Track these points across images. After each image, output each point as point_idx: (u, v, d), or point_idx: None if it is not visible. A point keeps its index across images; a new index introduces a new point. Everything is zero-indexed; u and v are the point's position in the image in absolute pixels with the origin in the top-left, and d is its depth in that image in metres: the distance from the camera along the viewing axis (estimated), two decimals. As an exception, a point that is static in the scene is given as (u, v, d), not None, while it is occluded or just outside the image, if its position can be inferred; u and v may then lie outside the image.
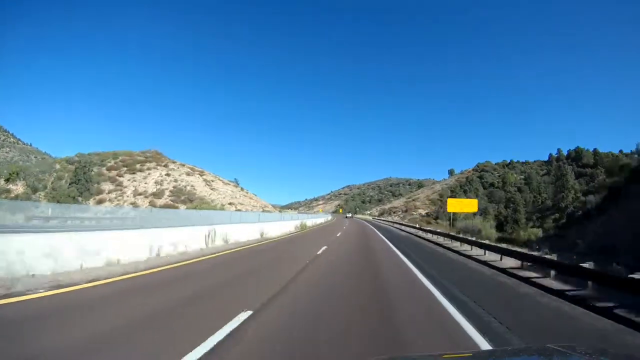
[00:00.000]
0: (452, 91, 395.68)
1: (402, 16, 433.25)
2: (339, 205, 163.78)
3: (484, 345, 3.87)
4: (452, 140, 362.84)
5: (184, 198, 37.69)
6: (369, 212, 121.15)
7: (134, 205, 36.92)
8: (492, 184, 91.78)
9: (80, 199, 46.50)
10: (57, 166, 57.91)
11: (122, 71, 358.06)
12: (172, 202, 37.00)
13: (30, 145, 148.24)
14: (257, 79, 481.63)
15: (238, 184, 65.44)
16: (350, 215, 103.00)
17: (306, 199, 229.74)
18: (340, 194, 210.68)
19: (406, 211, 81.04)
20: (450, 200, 21.71)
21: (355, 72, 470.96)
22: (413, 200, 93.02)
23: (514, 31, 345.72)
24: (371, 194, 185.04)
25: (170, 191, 40.13)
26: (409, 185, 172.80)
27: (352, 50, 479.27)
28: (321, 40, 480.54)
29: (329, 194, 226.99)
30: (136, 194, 40.12)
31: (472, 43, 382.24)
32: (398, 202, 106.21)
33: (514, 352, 2.42)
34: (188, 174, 49.52)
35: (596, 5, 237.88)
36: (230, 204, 41.43)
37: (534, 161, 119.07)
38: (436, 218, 65.17)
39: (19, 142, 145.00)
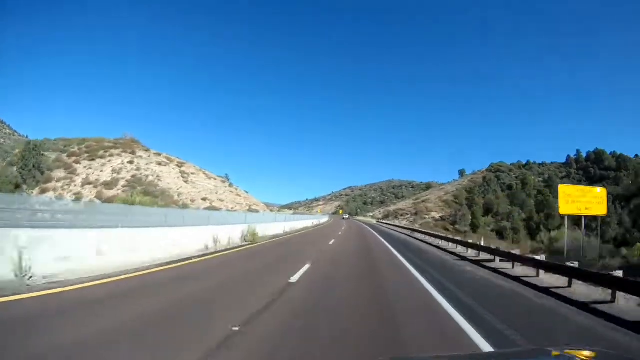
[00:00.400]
0: (453, 91, 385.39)
1: (402, 16, 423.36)
2: (339, 206, 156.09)
3: None
4: (454, 140, 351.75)
5: (141, 189, 29.20)
6: (371, 214, 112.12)
7: (78, 196, 28.48)
8: (509, 186, 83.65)
9: (25, 187, 38.92)
10: (16, 151, 50.66)
11: (122, 71, 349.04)
12: (123, 194, 28.48)
13: (27, 137, 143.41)
14: (257, 78, 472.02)
15: (227, 180, 57.64)
16: (347, 216, 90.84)
17: (307, 199, 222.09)
18: (342, 194, 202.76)
19: (416, 214, 72.13)
20: (564, 188, 11.80)
21: (355, 72, 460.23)
22: (423, 201, 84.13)
23: (514, 31, 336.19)
24: (373, 195, 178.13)
25: (127, 181, 31.65)
26: (412, 187, 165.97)
27: (352, 50, 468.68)
28: (321, 40, 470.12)
29: (329, 194, 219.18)
30: (85, 183, 31.65)
31: (472, 43, 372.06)
32: (404, 204, 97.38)
33: (512, 354, 2.28)
34: (160, 164, 41.06)
35: (598, 5, 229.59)
36: (204, 199, 32.94)
37: (551, 163, 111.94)
38: (453, 223, 56.32)
39: (15, 133, 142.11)
